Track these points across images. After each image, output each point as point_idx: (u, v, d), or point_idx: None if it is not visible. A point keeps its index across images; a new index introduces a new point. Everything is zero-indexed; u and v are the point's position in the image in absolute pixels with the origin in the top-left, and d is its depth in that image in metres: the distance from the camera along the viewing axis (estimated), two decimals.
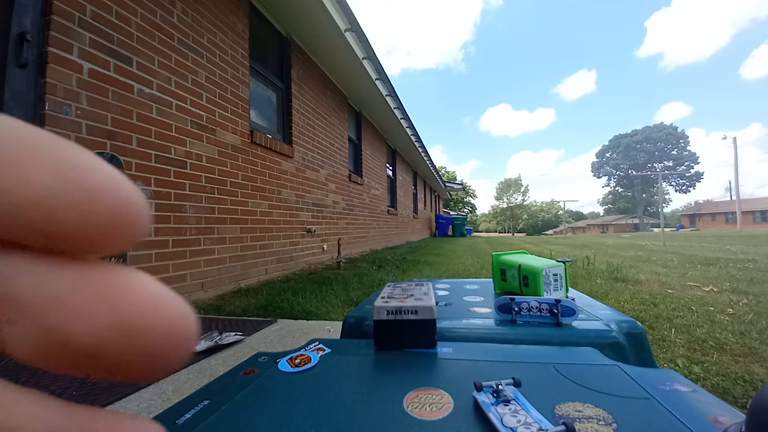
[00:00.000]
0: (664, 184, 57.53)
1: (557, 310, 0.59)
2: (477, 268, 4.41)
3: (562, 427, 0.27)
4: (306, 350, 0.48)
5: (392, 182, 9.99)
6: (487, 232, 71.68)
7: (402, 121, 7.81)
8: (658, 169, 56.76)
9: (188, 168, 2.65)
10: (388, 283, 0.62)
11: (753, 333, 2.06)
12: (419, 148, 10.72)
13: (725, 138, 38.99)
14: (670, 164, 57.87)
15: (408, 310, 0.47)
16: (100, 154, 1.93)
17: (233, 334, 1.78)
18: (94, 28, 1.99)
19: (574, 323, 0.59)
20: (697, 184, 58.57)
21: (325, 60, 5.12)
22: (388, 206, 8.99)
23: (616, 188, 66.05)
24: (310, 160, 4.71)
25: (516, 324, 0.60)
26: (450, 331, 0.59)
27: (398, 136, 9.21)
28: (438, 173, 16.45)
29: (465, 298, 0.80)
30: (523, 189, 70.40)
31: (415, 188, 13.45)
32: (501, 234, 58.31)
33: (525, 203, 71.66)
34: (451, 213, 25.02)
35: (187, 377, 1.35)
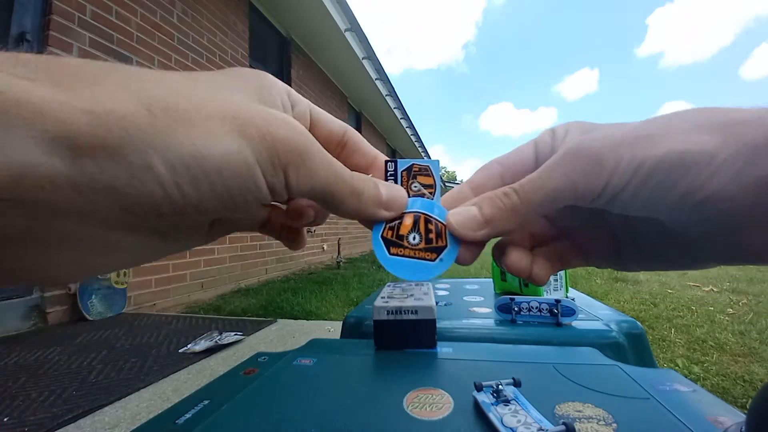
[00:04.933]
0: None
1: (557, 310, 0.59)
2: (477, 268, 4.41)
3: (562, 427, 0.27)
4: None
5: None
6: None
7: (402, 121, 7.80)
8: None
9: None
10: (388, 283, 0.62)
11: (753, 333, 2.06)
12: (419, 148, 10.71)
13: None
14: None
15: (408, 310, 0.48)
16: None
17: (233, 334, 1.78)
18: (94, 28, 1.98)
19: (574, 323, 0.59)
20: None
21: (325, 60, 5.12)
22: None
23: None
24: None
25: (516, 324, 0.60)
26: (450, 331, 0.59)
27: (398, 135, 9.21)
28: None
29: (465, 298, 0.80)
30: None
31: None
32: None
33: None
34: None
35: (187, 377, 1.35)
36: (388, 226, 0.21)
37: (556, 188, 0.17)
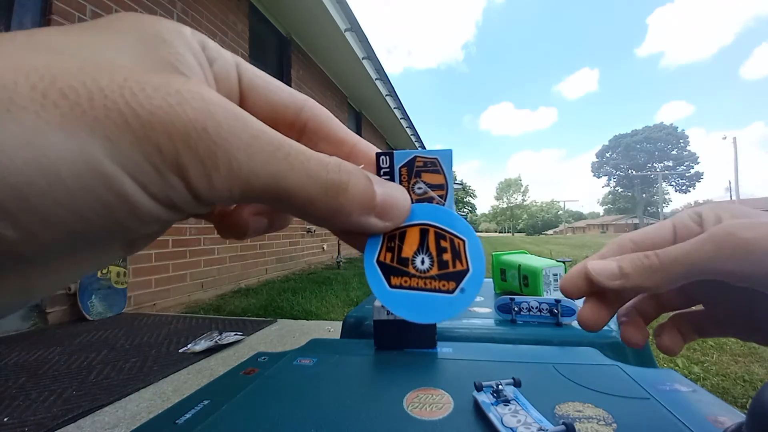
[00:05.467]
0: (664, 184, 57.62)
1: (557, 310, 0.59)
2: None
3: (562, 427, 0.27)
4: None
5: None
6: (486, 232, 71.74)
7: (402, 121, 7.81)
8: (658, 169, 56.84)
9: None
10: None
11: None
12: (419, 148, 10.73)
13: (725, 138, 39.12)
14: (670, 164, 57.91)
15: None
16: None
17: (233, 334, 1.78)
18: None
19: (574, 323, 0.59)
20: (697, 184, 58.58)
21: (325, 60, 5.12)
22: None
23: (616, 188, 66.09)
24: None
25: (516, 324, 0.60)
26: (450, 331, 0.59)
27: (398, 135, 9.21)
28: None
29: None
30: (523, 189, 70.56)
31: None
32: (501, 234, 58.37)
33: (525, 203, 71.76)
34: None
35: (187, 377, 1.35)
36: (385, 245, 0.15)
37: (697, 263, 0.17)
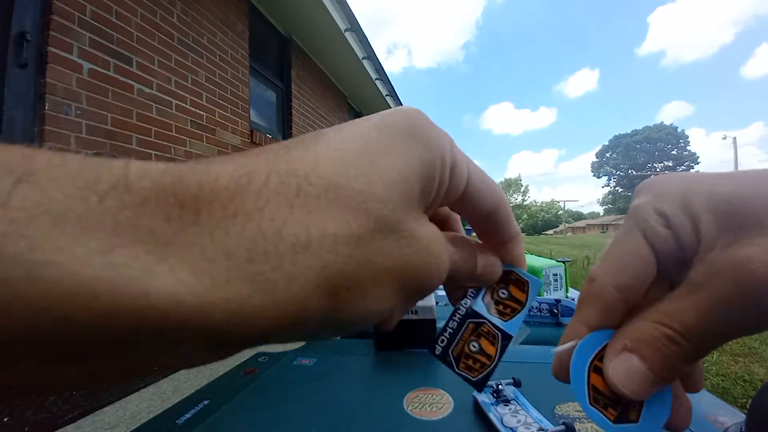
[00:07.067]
0: None
1: (557, 310, 0.59)
2: None
3: (562, 427, 0.27)
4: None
5: None
6: None
7: None
8: (658, 170, 56.85)
9: None
10: None
11: None
12: None
13: (725, 138, 39.15)
14: (670, 164, 57.91)
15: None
16: (98, 153, 1.93)
17: None
18: (94, 28, 1.98)
19: None
20: None
21: (325, 60, 5.12)
22: None
23: (616, 188, 66.13)
24: None
25: None
26: None
27: None
28: None
29: None
30: (523, 189, 70.64)
31: None
32: None
33: (525, 203, 71.84)
34: None
35: (187, 377, 1.35)
36: (592, 394, 0.16)
37: (735, 329, 0.14)
